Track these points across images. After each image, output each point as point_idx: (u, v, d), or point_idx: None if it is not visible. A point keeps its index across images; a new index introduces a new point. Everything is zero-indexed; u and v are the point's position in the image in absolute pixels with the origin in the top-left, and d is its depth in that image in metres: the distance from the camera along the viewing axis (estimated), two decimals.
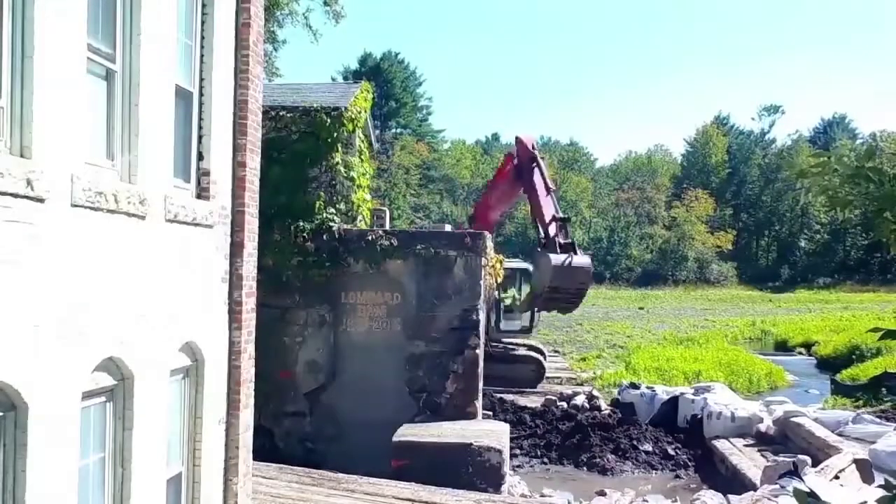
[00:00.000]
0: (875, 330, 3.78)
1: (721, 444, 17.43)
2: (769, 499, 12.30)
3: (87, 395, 5.52)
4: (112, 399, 5.93)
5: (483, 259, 15.61)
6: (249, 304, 8.14)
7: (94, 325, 5.42)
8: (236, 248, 7.91)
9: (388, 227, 19.13)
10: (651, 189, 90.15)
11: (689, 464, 17.43)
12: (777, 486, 12.72)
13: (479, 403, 15.78)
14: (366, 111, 16.96)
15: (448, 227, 17.47)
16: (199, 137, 7.29)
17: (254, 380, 8.47)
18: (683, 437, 18.53)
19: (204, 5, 7.27)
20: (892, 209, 3.40)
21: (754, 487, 13.76)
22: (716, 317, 53.31)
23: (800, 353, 40.21)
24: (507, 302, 25.75)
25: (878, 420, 18.21)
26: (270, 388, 14.36)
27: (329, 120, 15.59)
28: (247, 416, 8.19)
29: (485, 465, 12.95)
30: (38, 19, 4.76)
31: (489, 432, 14.01)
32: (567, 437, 18.33)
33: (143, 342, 6.10)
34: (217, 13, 7.36)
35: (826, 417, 17.76)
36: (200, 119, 7.29)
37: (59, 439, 5.06)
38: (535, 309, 23.69)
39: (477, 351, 15.47)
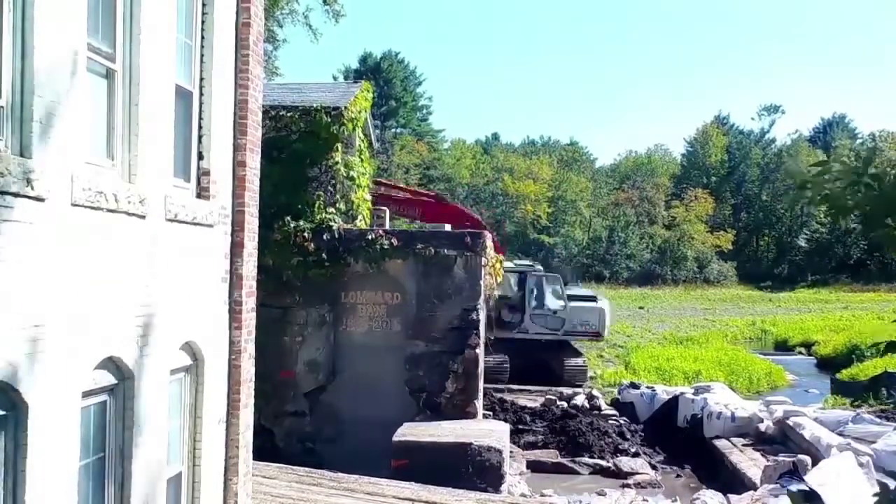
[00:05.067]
0: (876, 345, 3.76)
1: (721, 444, 17.43)
2: (769, 498, 12.31)
3: (87, 395, 5.52)
4: (112, 398, 5.93)
5: (483, 259, 15.62)
6: (249, 303, 8.14)
7: (94, 324, 5.42)
8: (236, 248, 7.91)
9: (387, 226, 19.13)
10: (651, 188, 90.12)
11: (689, 464, 17.45)
12: (777, 486, 12.73)
13: (479, 403, 15.79)
14: (366, 111, 16.97)
15: (448, 227, 17.46)
16: (199, 137, 7.29)
17: (254, 380, 8.47)
18: (683, 437, 18.56)
19: (204, 5, 7.27)
20: (891, 214, 3.39)
21: (754, 487, 13.76)
22: (716, 316, 53.30)
23: (800, 353, 40.20)
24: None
25: (878, 420, 18.18)
26: (270, 388, 14.38)
27: (329, 119, 15.60)
28: (247, 416, 8.19)
29: (485, 464, 12.95)
30: (38, 19, 4.75)
31: (489, 432, 14.02)
32: (567, 437, 18.33)
33: (143, 341, 6.10)
34: (217, 13, 7.36)
35: (826, 417, 17.74)
36: (200, 119, 7.28)
37: (59, 439, 5.06)
38: None
39: (477, 350, 15.48)
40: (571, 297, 25.62)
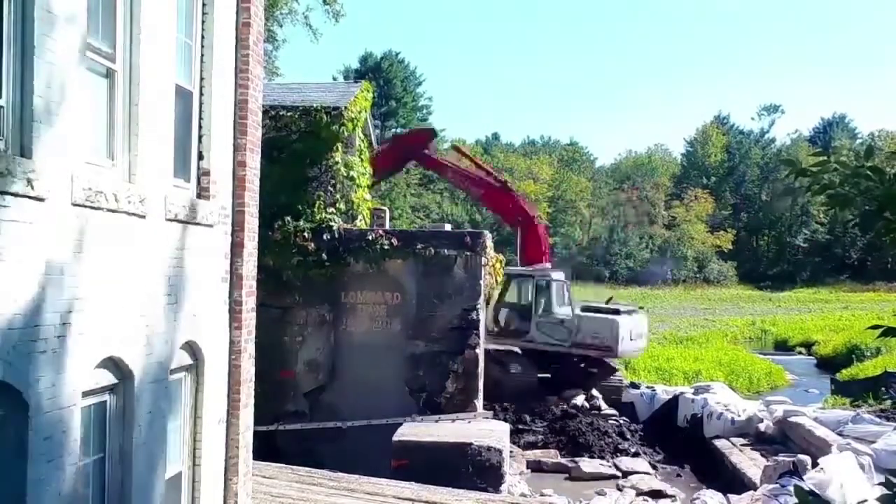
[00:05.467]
0: (874, 327, 3.78)
1: (721, 444, 17.45)
2: (769, 498, 12.31)
3: (88, 394, 5.52)
4: (112, 398, 5.93)
5: (483, 258, 15.63)
6: (249, 303, 8.14)
7: (94, 323, 5.42)
8: (236, 248, 7.91)
9: (387, 226, 19.15)
10: (650, 188, 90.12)
11: (689, 464, 17.46)
12: (777, 486, 12.72)
13: (479, 403, 15.80)
14: (366, 111, 16.99)
15: (448, 227, 17.48)
16: (199, 137, 7.29)
17: (254, 380, 8.48)
18: (683, 437, 18.57)
19: (204, 5, 7.27)
20: (892, 209, 3.40)
21: (754, 487, 13.77)
22: (715, 316, 53.30)
23: (800, 353, 40.22)
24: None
25: (878, 420, 18.20)
26: (270, 388, 14.39)
27: (329, 119, 15.62)
28: (247, 416, 8.20)
29: (485, 464, 12.96)
30: (39, 18, 4.76)
31: (489, 432, 14.03)
32: (567, 437, 18.34)
33: (143, 341, 6.10)
34: (217, 13, 7.36)
35: (826, 417, 17.75)
36: (200, 119, 7.29)
37: (60, 439, 5.06)
38: None
39: (477, 350, 15.49)
40: (587, 308, 22.58)
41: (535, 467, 16.88)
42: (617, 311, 21.93)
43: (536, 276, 21.95)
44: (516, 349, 21.61)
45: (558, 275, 22.61)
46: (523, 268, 22.51)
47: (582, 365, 21.67)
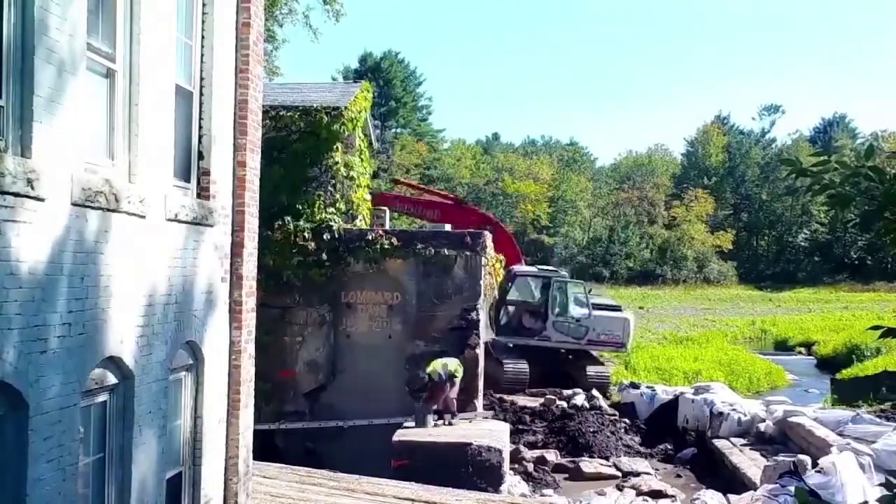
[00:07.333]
0: (875, 328, 3.78)
1: (721, 444, 17.44)
2: (769, 498, 12.31)
3: (88, 394, 5.52)
4: (112, 398, 5.93)
5: (483, 259, 15.63)
6: (249, 303, 8.15)
7: (94, 324, 5.43)
8: (236, 248, 7.92)
9: (387, 226, 19.15)
10: (651, 188, 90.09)
11: (689, 463, 17.45)
12: (777, 486, 12.72)
13: (479, 403, 15.80)
14: (366, 111, 17.00)
15: (448, 227, 17.47)
16: (199, 137, 7.30)
17: (254, 380, 8.48)
18: (684, 437, 18.57)
19: (204, 5, 7.28)
20: (892, 209, 3.40)
21: (754, 487, 13.76)
22: (716, 316, 53.26)
23: (800, 353, 40.22)
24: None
25: (878, 420, 18.18)
26: (270, 387, 14.39)
27: (329, 119, 15.62)
28: (247, 416, 8.20)
29: (484, 464, 12.96)
30: (39, 18, 4.76)
31: (489, 432, 14.03)
32: (567, 437, 18.33)
33: (143, 341, 6.10)
34: (217, 12, 7.37)
35: (826, 417, 17.73)
36: (200, 119, 7.29)
37: (60, 439, 5.06)
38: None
39: (477, 350, 15.49)
40: (595, 307, 23.94)
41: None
42: (619, 308, 23.00)
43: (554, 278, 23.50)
44: (509, 343, 22.11)
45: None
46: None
47: (570, 357, 23.04)
